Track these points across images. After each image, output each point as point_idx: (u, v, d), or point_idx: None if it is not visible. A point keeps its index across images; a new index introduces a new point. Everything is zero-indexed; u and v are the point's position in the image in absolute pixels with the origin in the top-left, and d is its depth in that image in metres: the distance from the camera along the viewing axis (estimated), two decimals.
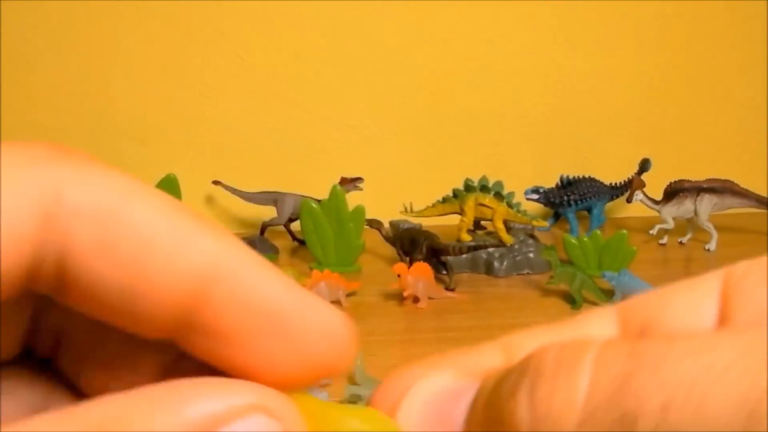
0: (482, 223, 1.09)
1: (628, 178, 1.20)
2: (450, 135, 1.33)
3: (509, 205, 1.00)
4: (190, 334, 0.16)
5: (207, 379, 0.15)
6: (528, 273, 1.02)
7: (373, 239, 1.07)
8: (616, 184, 1.22)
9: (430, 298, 0.89)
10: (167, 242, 0.15)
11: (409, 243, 0.98)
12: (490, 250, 1.01)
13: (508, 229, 1.03)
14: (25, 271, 0.15)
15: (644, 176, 1.18)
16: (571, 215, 1.19)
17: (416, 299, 0.88)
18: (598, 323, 0.19)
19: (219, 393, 0.15)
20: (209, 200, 1.30)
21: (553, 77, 1.33)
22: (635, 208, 1.24)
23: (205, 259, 0.16)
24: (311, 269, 0.98)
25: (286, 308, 0.17)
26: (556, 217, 1.23)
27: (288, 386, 0.17)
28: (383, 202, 1.14)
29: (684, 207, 1.14)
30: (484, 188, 1.00)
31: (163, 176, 1.15)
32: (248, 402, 0.15)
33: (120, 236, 0.15)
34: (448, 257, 0.96)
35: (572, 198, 1.18)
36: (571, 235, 1.00)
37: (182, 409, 0.14)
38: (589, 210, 1.21)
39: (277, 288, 0.17)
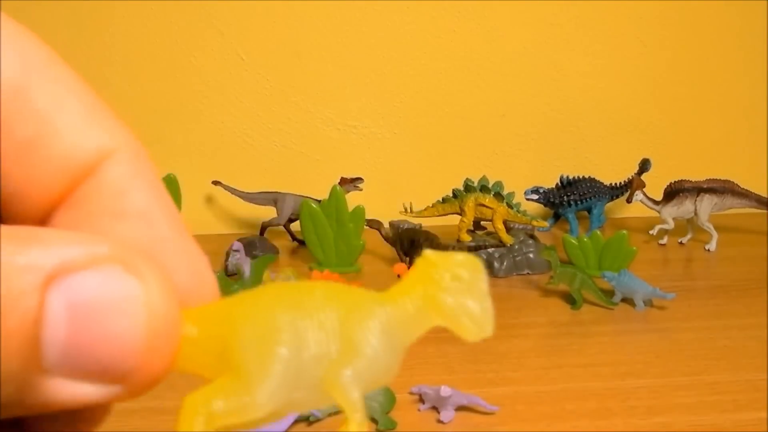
0: (482, 223, 1.09)
1: (628, 178, 1.20)
2: (450, 135, 1.33)
3: (509, 206, 1.00)
4: (63, 209, 0.16)
5: (67, 230, 0.15)
6: (528, 273, 1.02)
7: (373, 239, 1.07)
8: (616, 184, 1.22)
9: None
10: (65, 123, 0.16)
11: (409, 243, 0.98)
12: (490, 250, 1.01)
13: (508, 230, 1.03)
14: None
15: (644, 176, 1.18)
16: (571, 215, 1.19)
17: None
18: None
19: (75, 240, 0.14)
20: (209, 200, 1.30)
21: (553, 77, 1.33)
22: (635, 208, 1.24)
23: (104, 142, 0.17)
24: (311, 269, 0.98)
25: (159, 221, 0.17)
26: (556, 217, 1.23)
27: None
28: (383, 202, 1.14)
29: (684, 207, 1.14)
30: (484, 188, 1.00)
31: (163, 176, 1.15)
32: (104, 252, 0.14)
33: (19, 112, 0.15)
34: None
35: (572, 198, 1.18)
36: (571, 236, 1.00)
37: (27, 251, 0.13)
38: (589, 210, 1.21)
39: (158, 201, 0.17)
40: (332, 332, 0.16)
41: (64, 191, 0.16)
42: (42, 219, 0.16)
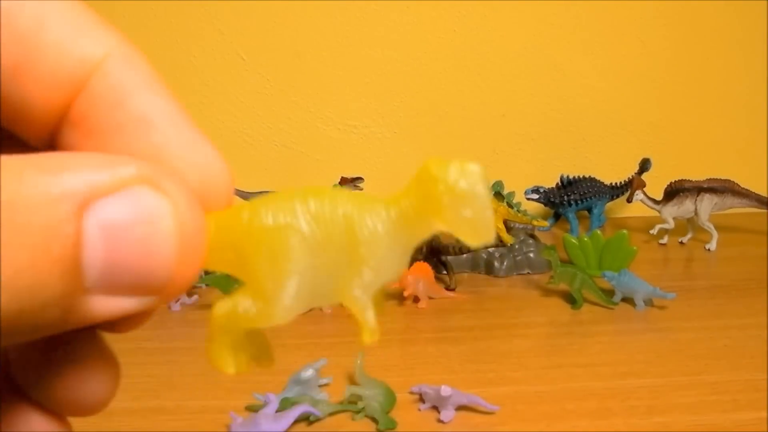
0: None
1: (628, 178, 1.20)
2: (450, 135, 1.33)
3: (509, 205, 1.00)
4: (67, 128, 0.16)
5: (90, 153, 0.15)
6: (528, 273, 1.02)
7: None
8: (616, 184, 1.22)
9: (430, 298, 0.89)
10: (49, 39, 0.16)
11: None
12: (490, 250, 1.01)
13: (509, 229, 1.03)
14: None
15: (644, 176, 1.18)
16: (571, 215, 1.19)
17: (416, 299, 0.88)
18: None
19: (101, 164, 0.14)
20: None
21: (553, 77, 1.33)
22: (635, 208, 1.24)
23: (93, 51, 0.16)
24: None
25: (161, 123, 0.17)
26: (556, 217, 1.23)
27: None
28: None
29: (684, 207, 1.14)
30: None
31: None
32: (131, 173, 0.14)
33: (12, 21, 0.15)
34: (448, 257, 0.96)
35: (572, 198, 1.19)
36: (571, 235, 1.00)
37: (59, 176, 0.13)
38: (590, 210, 1.21)
39: (156, 102, 0.17)
40: (341, 242, 0.16)
41: (62, 107, 0.16)
42: (49, 140, 0.17)
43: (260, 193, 1.18)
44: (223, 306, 0.17)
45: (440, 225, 0.18)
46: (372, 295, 0.18)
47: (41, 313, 0.13)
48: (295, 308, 0.17)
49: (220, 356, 0.18)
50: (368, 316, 0.18)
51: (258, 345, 0.19)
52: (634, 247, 0.95)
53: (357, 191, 0.17)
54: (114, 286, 0.14)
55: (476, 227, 0.17)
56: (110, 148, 0.17)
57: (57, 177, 0.14)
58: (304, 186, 0.17)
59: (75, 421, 0.59)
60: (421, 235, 0.18)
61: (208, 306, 0.84)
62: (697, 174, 1.17)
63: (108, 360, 0.18)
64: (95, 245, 0.14)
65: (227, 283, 0.85)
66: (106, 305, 0.15)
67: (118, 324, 0.17)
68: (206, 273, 0.94)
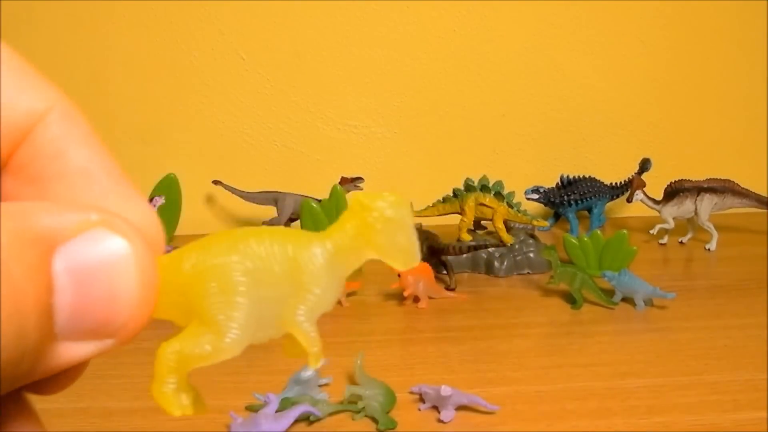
0: (483, 222, 1.09)
1: (628, 178, 1.20)
2: (450, 135, 1.33)
3: (509, 205, 0.99)
4: (7, 176, 0.17)
5: (50, 202, 0.16)
6: (528, 273, 1.02)
7: None
8: (616, 184, 1.22)
9: (430, 298, 0.89)
10: (4, 82, 0.17)
11: None
12: (490, 250, 1.01)
13: (509, 229, 1.03)
14: None
15: (644, 176, 1.18)
16: (571, 215, 1.19)
17: (416, 299, 0.88)
18: None
19: (63, 210, 0.15)
20: (209, 200, 1.30)
21: (553, 77, 1.33)
22: (635, 208, 1.24)
23: (36, 105, 0.17)
24: None
25: (99, 175, 0.17)
26: (556, 217, 1.23)
27: None
28: None
29: (684, 207, 1.14)
30: (484, 188, 1.00)
31: (164, 176, 1.15)
32: (94, 218, 0.15)
33: None
34: (448, 257, 0.96)
35: (572, 198, 1.19)
36: (571, 235, 1.00)
37: (28, 220, 0.14)
38: (589, 210, 1.21)
39: (95, 156, 0.18)
40: (282, 274, 0.18)
41: (5, 157, 0.17)
42: None
43: (260, 193, 1.18)
44: (171, 346, 0.17)
45: (372, 252, 0.19)
46: (314, 321, 0.19)
47: (20, 364, 0.13)
48: (245, 339, 0.18)
49: (167, 397, 0.18)
50: (312, 341, 0.19)
51: (193, 391, 0.19)
52: (634, 247, 0.95)
53: (291, 229, 0.18)
54: (80, 330, 0.14)
55: (405, 252, 0.19)
56: (50, 197, 0.17)
57: (26, 222, 0.14)
58: (242, 228, 0.19)
59: (75, 421, 0.58)
60: (355, 263, 0.19)
61: None
62: (697, 174, 1.16)
63: (33, 420, 0.17)
64: (65, 289, 0.14)
65: None
66: (70, 351, 0.14)
67: (53, 381, 0.16)
68: None
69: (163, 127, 1.28)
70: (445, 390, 0.59)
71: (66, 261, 0.14)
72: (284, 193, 1.16)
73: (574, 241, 0.97)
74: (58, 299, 0.14)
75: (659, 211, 1.15)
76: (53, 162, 0.17)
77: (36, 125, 0.17)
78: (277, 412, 0.58)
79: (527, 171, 1.33)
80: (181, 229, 1.19)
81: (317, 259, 0.18)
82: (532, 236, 1.06)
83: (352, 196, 0.19)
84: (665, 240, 1.17)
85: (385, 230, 0.18)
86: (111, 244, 0.15)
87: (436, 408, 0.61)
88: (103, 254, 0.15)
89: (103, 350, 0.15)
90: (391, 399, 0.61)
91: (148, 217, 0.18)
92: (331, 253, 0.18)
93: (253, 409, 0.61)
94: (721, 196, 1.15)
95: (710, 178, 1.15)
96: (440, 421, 0.60)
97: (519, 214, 1.00)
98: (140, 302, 0.15)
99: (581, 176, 1.21)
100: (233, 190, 1.19)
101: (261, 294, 0.17)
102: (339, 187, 1.02)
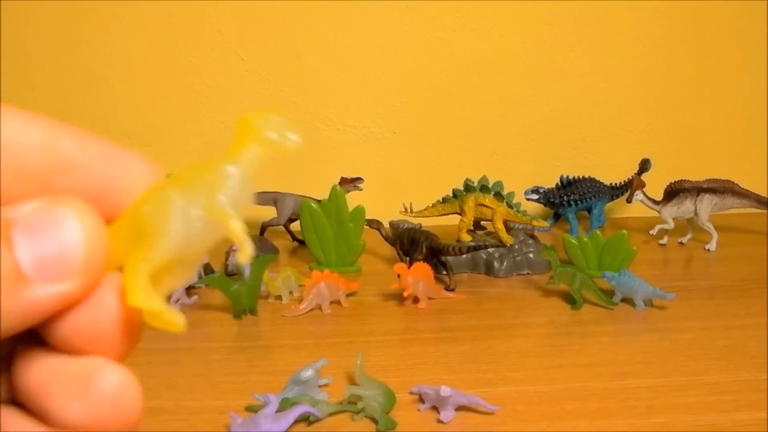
0: (482, 223, 1.09)
1: (628, 178, 1.20)
2: (450, 135, 1.33)
3: (509, 205, 0.99)
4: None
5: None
6: (528, 273, 1.02)
7: (373, 239, 1.07)
8: (616, 184, 1.22)
9: (430, 298, 0.89)
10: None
11: (409, 243, 0.98)
12: (490, 250, 1.01)
13: (508, 229, 1.03)
14: None
15: (644, 176, 1.18)
16: (571, 215, 1.19)
17: (416, 299, 0.88)
18: None
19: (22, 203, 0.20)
20: None
21: (553, 77, 1.33)
22: (635, 208, 1.24)
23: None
24: (311, 269, 0.98)
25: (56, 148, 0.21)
26: (556, 217, 1.23)
27: None
28: (383, 202, 1.14)
29: (684, 207, 1.14)
30: (484, 188, 1.00)
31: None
32: (49, 200, 0.20)
33: None
34: (448, 257, 0.96)
35: (572, 198, 1.19)
36: (571, 235, 1.00)
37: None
38: (589, 210, 1.21)
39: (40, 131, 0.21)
40: (204, 193, 0.21)
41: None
42: None
43: (260, 193, 1.18)
44: (133, 263, 0.21)
45: (258, 149, 0.23)
46: (237, 214, 0.21)
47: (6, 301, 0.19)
48: (177, 241, 0.20)
49: (161, 312, 0.21)
50: (238, 228, 0.21)
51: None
52: (634, 248, 0.95)
53: (208, 163, 0.22)
54: (46, 274, 0.19)
55: (288, 137, 0.23)
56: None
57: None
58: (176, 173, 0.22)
59: None
60: (257, 166, 0.23)
61: (207, 306, 0.84)
62: (697, 174, 1.17)
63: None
64: (24, 248, 0.19)
65: (226, 283, 0.85)
66: (47, 290, 0.19)
67: (122, 341, 0.21)
68: (205, 273, 0.94)
69: (163, 127, 1.28)
70: (445, 390, 0.59)
71: (19, 226, 0.19)
72: (284, 193, 1.16)
73: (573, 241, 0.97)
74: (19, 255, 0.19)
75: (659, 212, 1.15)
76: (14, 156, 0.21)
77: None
78: (277, 412, 0.58)
79: (527, 171, 1.33)
80: None
81: (232, 173, 0.22)
82: (532, 236, 1.06)
83: (252, 118, 0.23)
84: (665, 240, 1.17)
85: (266, 127, 0.23)
86: (55, 212, 0.20)
87: (435, 408, 0.61)
88: (55, 217, 0.20)
89: (75, 289, 0.20)
90: (390, 399, 0.61)
91: (123, 163, 0.23)
92: (239, 164, 0.22)
93: (253, 409, 0.61)
94: (721, 197, 1.15)
95: (710, 179, 1.15)
96: (440, 421, 0.60)
97: (519, 215, 1.00)
98: (86, 248, 0.20)
99: (581, 176, 1.21)
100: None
101: (190, 212, 0.21)
102: (339, 187, 1.02)
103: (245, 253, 0.21)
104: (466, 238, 1.01)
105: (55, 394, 0.20)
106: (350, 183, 1.11)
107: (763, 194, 1.17)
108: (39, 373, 0.20)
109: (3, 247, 0.19)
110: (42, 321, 0.20)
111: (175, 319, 0.20)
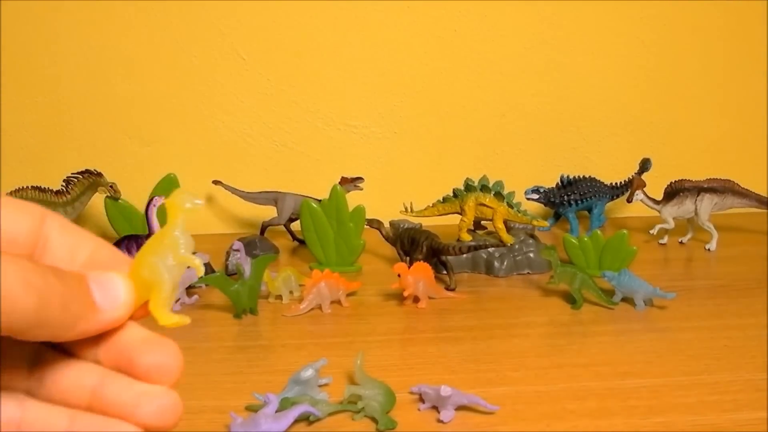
0: (483, 222, 1.09)
1: (628, 178, 1.20)
2: (450, 135, 1.33)
3: (509, 205, 0.99)
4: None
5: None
6: (528, 273, 1.02)
7: (373, 239, 1.07)
8: (616, 183, 1.22)
9: (430, 298, 0.89)
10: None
11: (409, 243, 0.98)
12: (490, 250, 1.01)
13: (509, 229, 1.03)
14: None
15: (644, 176, 1.18)
16: (571, 215, 1.19)
17: (416, 299, 0.88)
18: None
19: (96, 271, 0.33)
20: (209, 200, 1.30)
21: (554, 77, 1.33)
22: (635, 208, 1.24)
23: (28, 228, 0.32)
24: (311, 269, 0.98)
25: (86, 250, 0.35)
26: (556, 217, 1.23)
27: None
28: (383, 202, 1.14)
29: (684, 207, 1.14)
30: (484, 188, 1.00)
31: (163, 176, 1.15)
32: (107, 273, 0.33)
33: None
34: (448, 257, 0.96)
35: (572, 198, 1.19)
36: (571, 235, 1.00)
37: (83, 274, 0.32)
38: (590, 210, 1.21)
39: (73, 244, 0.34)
40: (170, 250, 0.33)
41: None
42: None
43: (260, 193, 1.18)
44: (155, 298, 0.33)
45: (183, 215, 0.34)
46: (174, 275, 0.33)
47: (86, 317, 0.31)
48: (170, 279, 0.33)
49: (172, 317, 0.33)
50: (195, 261, 0.33)
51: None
52: (634, 247, 0.95)
53: (161, 236, 0.35)
54: (106, 306, 0.31)
55: (193, 207, 0.34)
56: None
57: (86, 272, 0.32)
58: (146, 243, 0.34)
59: None
60: (186, 227, 0.34)
61: (208, 306, 0.84)
62: (697, 174, 1.17)
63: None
64: (96, 292, 0.31)
65: (226, 283, 0.85)
66: (105, 313, 0.31)
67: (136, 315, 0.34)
68: (206, 273, 0.94)
69: (163, 127, 1.28)
70: (445, 390, 0.59)
71: (93, 282, 0.31)
72: (284, 193, 1.16)
73: (574, 241, 0.97)
74: (93, 295, 0.31)
75: (659, 211, 1.15)
76: (68, 255, 0.33)
77: (37, 232, 0.32)
78: (277, 412, 0.58)
79: (527, 171, 1.33)
80: None
81: (177, 234, 0.33)
82: (532, 236, 1.06)
83: (173, 198, 0.34)
84: (665, 240, 1.17)
85: (182, 202, 0.34)
86: (108, 277, 0.32)
87: (435, 408, 0.61)
88: (107, 280, 0.32)
89: (120, 315, 0.32)
90: (390, 399, 0.61)
91: (122, 259, 0.34)
92: (180, 229, 0.33)
93: (253, 409, 0.61)
94: (721, 196, 1.15)
95: (710, 178, 1.15)
96: (440, 421, 0.60)
97: (519, 214, 1.00)
98: (124, 292, 0.32)
99: (581, 176, 1.21)
100: (233, 190, 1.19)
101: (168, 262, 0.33)
102: (339, 187, 1.02)
103: (200, 272, 0.34)
104: (467, 237, 1.01)
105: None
106: (350, 183, 1.11)
107: (763, 194, 1.17)
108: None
109: (85, 291, 0.31)
110: (101, 333, 0.32)
111: (183, 320, 0.33)
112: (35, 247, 0.32)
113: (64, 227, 0.35)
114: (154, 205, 0.99)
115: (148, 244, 0.35)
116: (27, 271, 0.28)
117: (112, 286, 0.33)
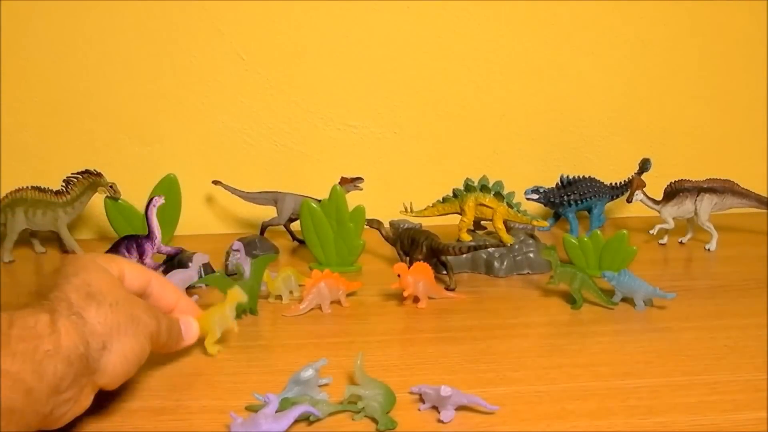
0: (482, 222, 1.09)
1: (628, 178, 1.20)
2: (450, 135, 1.33)
3: (509, 205, 0.99)
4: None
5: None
6: (528, 273, 1.02)
7: (373, 239, 1.07)
8: (616, 183, 1.22)
9: (430, 298, 0.89)
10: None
11: (410, 243, 0.98)
12: (490, 250, 1.01)
13: (509, 229, 1.03)
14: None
15: (644, 176, 1.18)
16: (571, 215, 1.19)
17: (416, 299, 0.88)
18: None
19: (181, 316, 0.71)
20: (209, 200, 1.30)
21: (553, 77, 1.33)
22: (635, 208, 1.24)
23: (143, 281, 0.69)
24: (311, 269, 0.98)
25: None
26: (556, 217, 1.23)
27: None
28: (383, 202, 1.14)
29: (684, 207, 1.14)
30: (484, 188, 1.00)
31: (163, 176, 1.15)
32: (187, 317, 0.71)
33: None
34: (448, 257, 0.96)
35: (572, 198, 1.19)
36: (571, 235, 1.00)
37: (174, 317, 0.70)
38: (589, 210, 1.21)
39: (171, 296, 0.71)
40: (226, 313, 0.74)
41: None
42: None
43: (260, 193, 1.18)
44: (210, 334, 0.72)
45: (234, 304, 0.75)
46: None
47: (176, 345, 0.70)
48: (218, 327, 0.73)
49: (215, 347, 0.71)
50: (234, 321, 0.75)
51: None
52: (634, 248, 0.95)
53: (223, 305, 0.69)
54: (188, 338, 0.70)
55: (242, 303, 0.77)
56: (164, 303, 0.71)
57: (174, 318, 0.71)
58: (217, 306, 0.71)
59: (74, 422, 0.58)
60: (232, 307, 0.76)
61: (207, 306, 0.84)
62: (697, 174, 1.17)
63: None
64: (184, 329, 0.70)
65: (226, 283, 0.85)
66: (187, 342, 0.71)
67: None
68: (205, 273, 0.94)
69: (163, 127, 1.28)
70: (445, 390, 0.59)
71: (182, 323, 0.69)
72: (284, 193, 1.16)
73: (574, 241, 0.97)
74: (183, 329, 0.69)
75: (659, 212, 1.16)
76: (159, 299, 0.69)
77: (147, 287, 0.68)
78: (277, 412, 0.58)
79: (527, 171, 1.33)
80: (181, 230, 1.20)
81: (228, 312, 0.73)
82: (532, 236, 1.06)
83: (237, 291, 0.72)
84: (665, 240, 1.17)
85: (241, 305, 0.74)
86: (189, 320, 0.70)
87: (435, 408, 0.61)
88: (189, 322, 0.70)
89: (191, 342, 0.70)
90: (390, 399, 0.61)
91: (194, 307, 0.73)
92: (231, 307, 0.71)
93: (253, 409, 0.61)
94: (721, 196, 1.15)
95: (710, 178, 1.15)
96: (440, 421, 0.60)
97: (519, 214, 0.99)
98: (197, 331, 0.71)
99: (581, 176, 1.21)
100: (233, 191, 1.19)
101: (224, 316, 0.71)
102: (339, 187, 1.02)
103: (234, 329, 0.74)
104: (466, 237, 1.01)
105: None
106: (350, 183, 1.11)
107: (763, 194, 1.17)
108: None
109: (178, 328, 0.66)
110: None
111: (219, 350, 0.71)
112: (144, 297, 0.59)
113: (162, 284, 0.68)
114: (154, 206, 0.99)
115: (215, 307, 0.72)
116: (159, 315, 0.63)
117: (192, 327, 0.69)
